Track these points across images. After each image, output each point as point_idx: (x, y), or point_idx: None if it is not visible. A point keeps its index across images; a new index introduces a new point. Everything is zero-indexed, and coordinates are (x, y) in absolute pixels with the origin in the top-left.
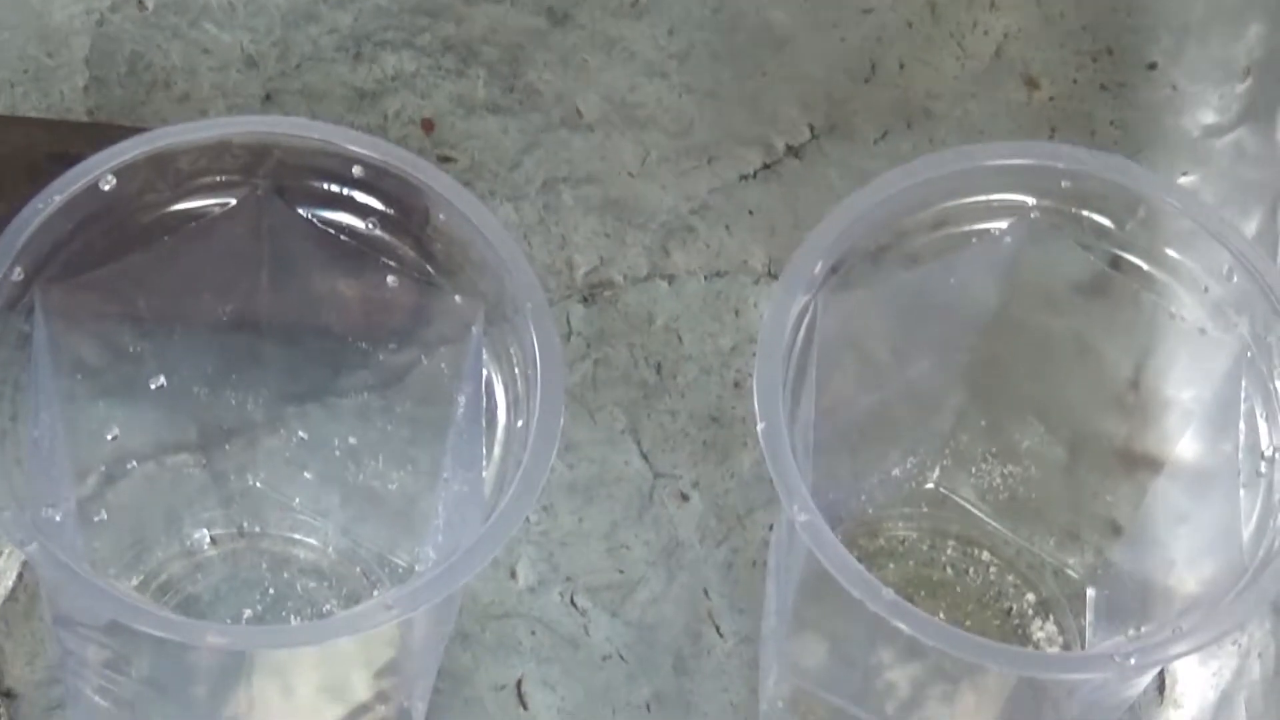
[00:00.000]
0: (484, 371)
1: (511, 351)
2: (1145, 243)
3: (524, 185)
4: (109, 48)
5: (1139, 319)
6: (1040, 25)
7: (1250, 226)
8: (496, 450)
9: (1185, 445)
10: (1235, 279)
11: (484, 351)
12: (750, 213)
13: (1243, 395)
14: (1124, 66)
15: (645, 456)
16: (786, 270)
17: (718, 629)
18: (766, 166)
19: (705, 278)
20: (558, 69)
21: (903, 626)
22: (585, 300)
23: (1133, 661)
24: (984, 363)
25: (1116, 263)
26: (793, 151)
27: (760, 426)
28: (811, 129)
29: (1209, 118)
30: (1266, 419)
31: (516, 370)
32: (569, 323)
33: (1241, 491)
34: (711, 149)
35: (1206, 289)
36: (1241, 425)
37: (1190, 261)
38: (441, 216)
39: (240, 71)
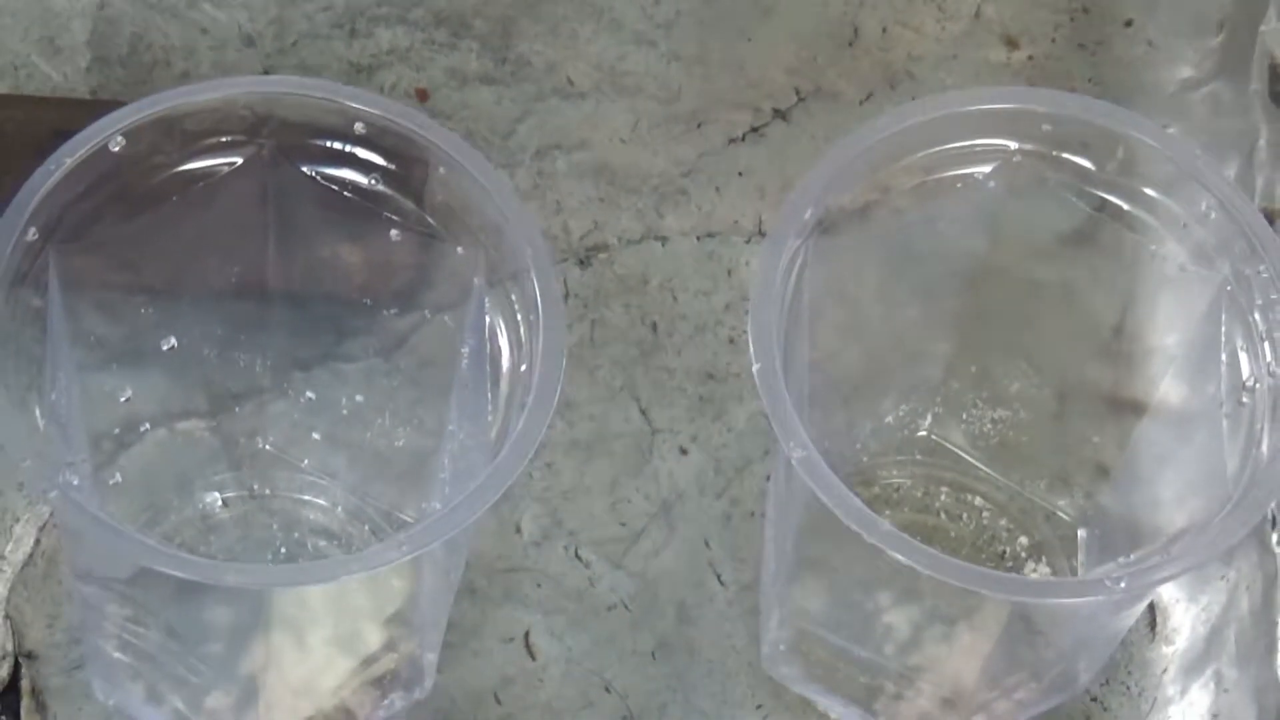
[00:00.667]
0: (486, 319)
1: (513, 298)
2: (1126, 183)
3: (518, 153)
4: (109, 30)
5: (1122, 266)
6: None
7: (1229, 174)
8: (501, 398)
9: (1168, 387)
10: (1213, 216)
11: (486, 301)
12: (740, 174)
13: (1223, 330)
14: (1101, 24)
15: (644, 412)
16: (777, 217)
17: (719, 578)
18: (754, 130)
19: (698, 238)
20: (548, 39)
21: (899, 557)
22: (581, 263)
23: (1123, 585)
24: (972, 312)
25: (1098, 204)
26: (779, 115)
27: (756, 368)
28: (797, 92)
29: (1185, 72)
30: (1246, 351)
31: (519, 317)
32: (566, 285)
33: (1225, 424)
34: (700, 114)
35: (1186, 227)
36: (1223, 357)
37: (1170, 201)
38: (442, 170)
39: (238, 50)
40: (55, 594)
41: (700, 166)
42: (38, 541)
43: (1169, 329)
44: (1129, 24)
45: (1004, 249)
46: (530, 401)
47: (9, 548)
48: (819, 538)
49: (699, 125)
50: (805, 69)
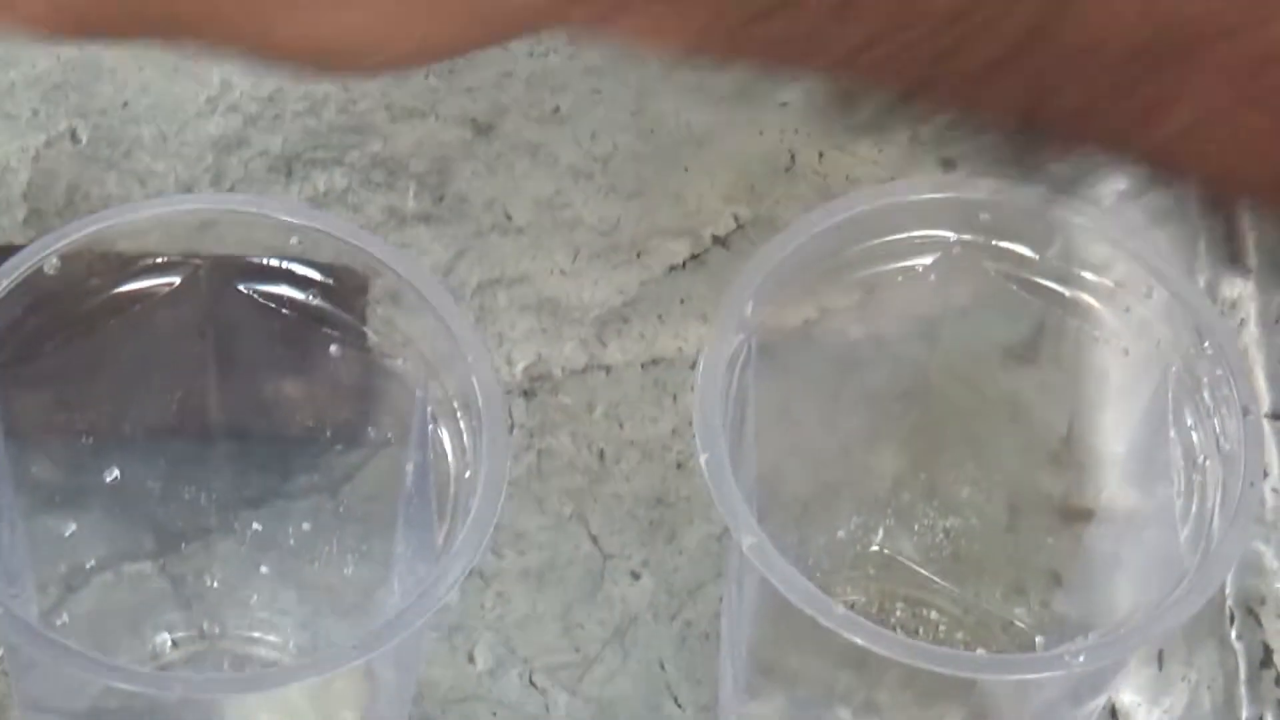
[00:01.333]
0: (429, 428)
1: (454, 406)
2: (1065, 269)
3: (459, 288)
4: (46, 181)
5: (1068, 376)
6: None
7: None
8: (448, 505)
9: (1116, 491)
10: (1154, 295)
11: (428, 410)
12: (681, 301)
13: (1170, 412)
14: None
15: (594, 539)
16: (718, 311)
17: (676, 700)
18: (694, 257)
19: (642, 366)
20: (485, 177)
21: (855, 639)
22: (525, 394)
23: (1081, 659)
24: (919, 426)
25: (1039, 291)
26: (719, 241)
27: (703, 458)
28: (736, 219)
29: (1122, 184)
30: (1196, 430)
31: (461, 424)
32: (511, 416)
33: (1178, 505)
34: (639, 244)
35: (1129, 310)
36: (1173, 434)
37: (1110, 283)
38: (378, 281)
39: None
40: None
41: (642, 295)
42: None
43: (1118, 430)
44: None
45: (949, 364)
46: (477, 500)
47: None
48: (775, 643)
49: (639, 255)
50: (743, 196)
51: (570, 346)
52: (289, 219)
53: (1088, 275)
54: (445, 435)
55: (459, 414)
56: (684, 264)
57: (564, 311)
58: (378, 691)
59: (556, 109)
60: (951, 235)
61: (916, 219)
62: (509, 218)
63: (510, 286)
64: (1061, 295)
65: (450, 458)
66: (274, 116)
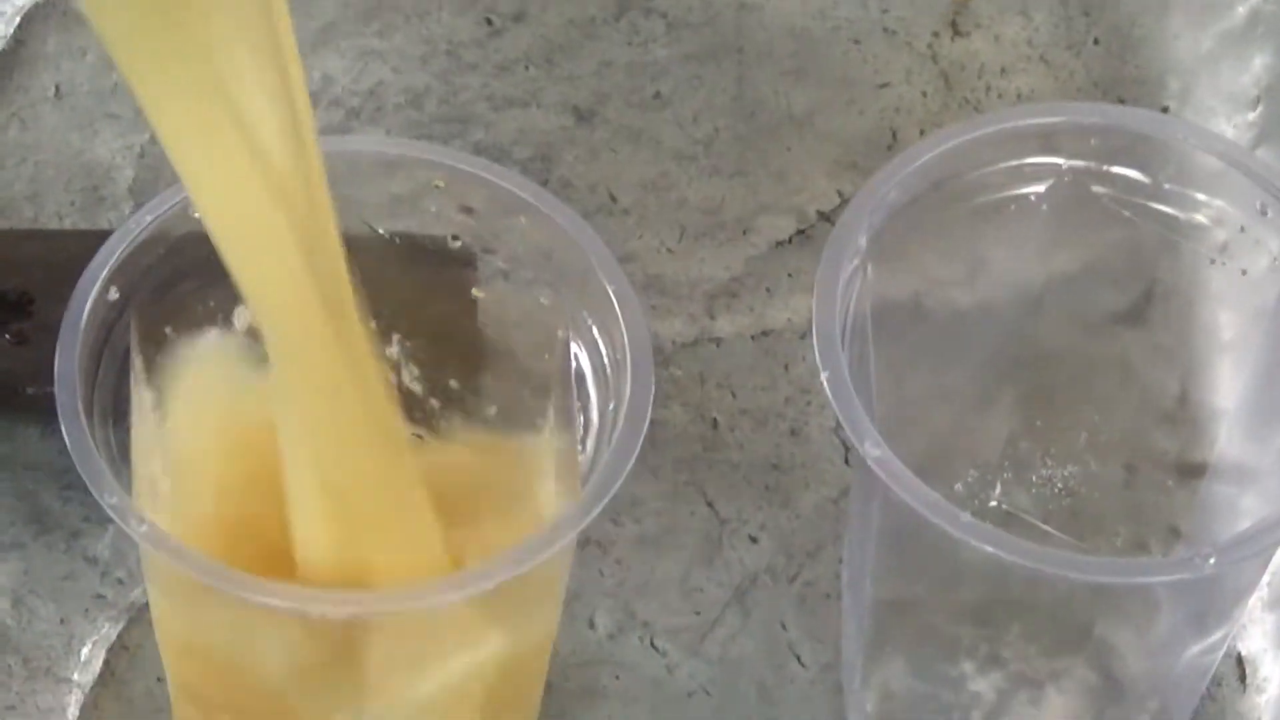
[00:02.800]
0: (574, 364)
1: (598, 338)
2: (1178, 192)
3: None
4: (149, 176)
5: (1179, 338)
6: (1052, 85)
7: None
8: (590, 441)
9: (1229, 446)
10: (1269, 214)
11: (572, 344)
12: (789, 275)
13: None
14: None
15: (711, 505)
16: (833, 234)
17: (799, 659)
18: (800, 232)
19: (752, 338)
20: (588, 162)
21: (985, 547)
22: None
23: (1212, 561)
24: (1030, 392)
25: (1150, 215)
26: (824, 216)
27: (824, 375)
28: (840, 195)
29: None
30: None
31: (604, 357)
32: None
33: None
34: (745, 221)
35: (1243, 228)
36: None
37: (1224, 202)
38: (522, 220)
39: None
40: (126, 713)
41: (749, 269)
42: (106, 663)
43: (1232, 384)
44: (1164, 111)
45: (1059, 331)
46: (618, 431)
47: (77, 672)
48: (901, 577)
49: (744, 232)
50: (846, 173)
51: (680, 321)
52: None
53: (1200, 196)
54: (590, 370)
55: (603, 349)
56: (790, 239)
57: (672, 288)
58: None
59: (657, 94)
60: (1063, 162)
61: (1027, 146)
62: (614, 199)
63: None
64: (1176, 219)
65: (593, 392)
66: (375, 109)
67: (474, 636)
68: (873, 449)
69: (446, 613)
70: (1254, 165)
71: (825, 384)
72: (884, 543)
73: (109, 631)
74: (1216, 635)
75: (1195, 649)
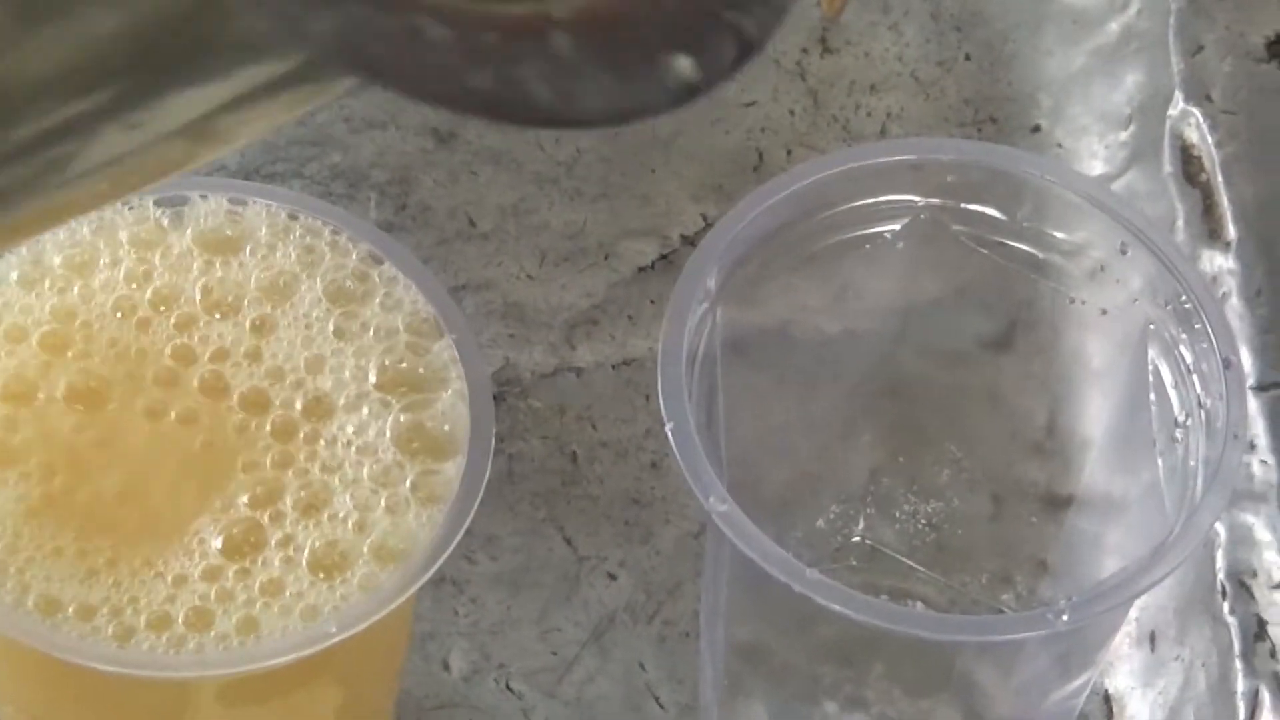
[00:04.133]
0: None
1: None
2: (1036, 229)
3: None
4: None
5: (1045, 362)
6: (922, 103)
7: None
8: None
9: (1096, 477)
10: (1129, 253)
11: None
12: (651, 301)
13: (1150, 373)
14: (1008, 133)
15: (569, 541)
16: (680, 280)
17: (657, 700)
18: (663, 257)
19: (613, 367)
20: (448, 185)
21: (831, 605)
22: (495, 399)
23: (1065, 618)
24: (898, 420)
25: (1008, 253)
26: (688, 240)
27: (669, 427)
28: (704, 218)
29: (1098, 168)
30: (1175, 387)
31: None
32: None
33: (1159, 461)
34: (608, 246)
35: (1103, 267)
36: (1152, 398)
37: (1083, 241)
38: None
39: None
40: None
41: (610, 297)
42: None
43: (1098, 413)
44: (1036, 129)
45: (924, 359)
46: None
47: None
48: (754, 625)
49: (606, 257)
50: (711, 196)
51: (539, 350)
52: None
53: (1059, 234)
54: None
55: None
56: (653, 264)
57: (532, 315)
58: None
59: None
60: (919, 199)
61: (882, 184)
62: (473, 224)
63: (476, 291)
64: (1034, 257)
65: None
66: None
67: (313, 692)
68: (717, 504)
69: (283, 671)
70: (1113, 203)
71: (670, 435)
72: (736, 586)
73: None
74: (1080, 679)
75: (1059, 692)
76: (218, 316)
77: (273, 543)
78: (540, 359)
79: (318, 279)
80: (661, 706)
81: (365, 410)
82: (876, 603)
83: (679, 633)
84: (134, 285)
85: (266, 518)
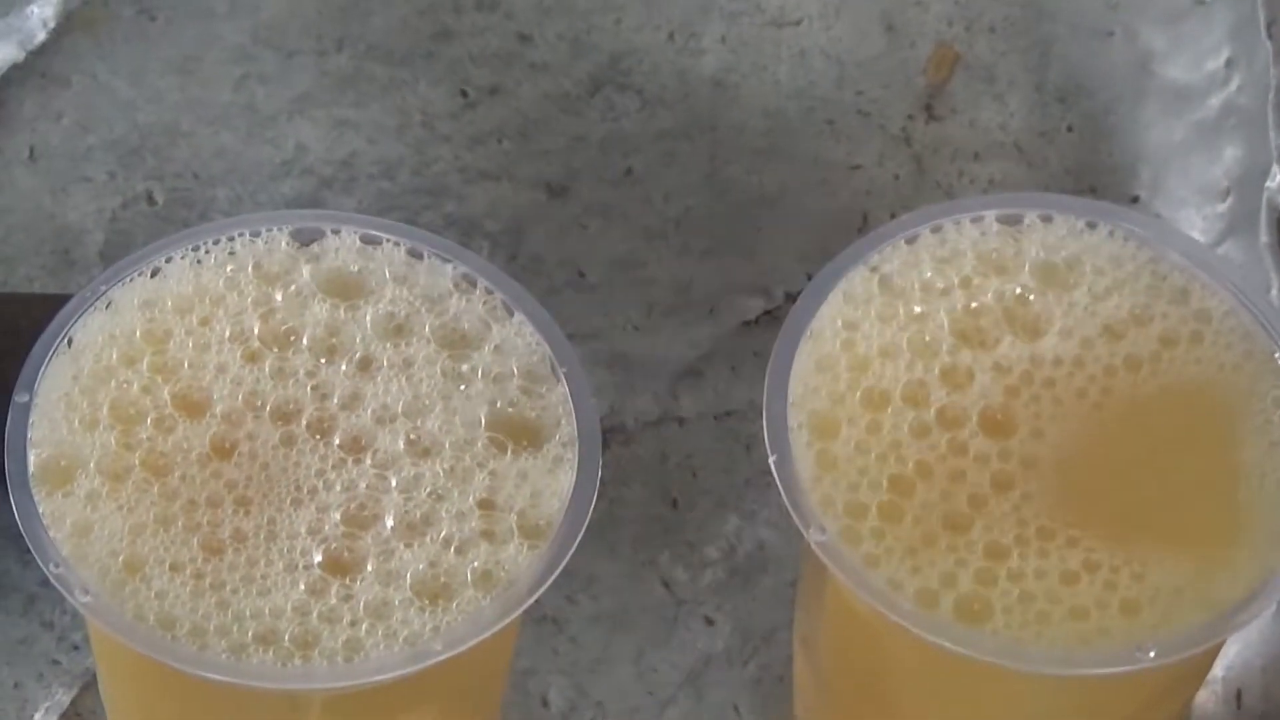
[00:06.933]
0: None
1: None
2: None
3: None
4: (122, 240)
5: None
6: (1024, 171)
7: None
8: None
9: None
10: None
11: None
12: (755, 354)
13: None
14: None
15: (667, 585)
16: (786, 322)
17: None
18: (767, 313)
19: (715, 417)
20: (558, 237)
21: (925, 636)
22: (605, 446)
23: (1151, 654)
24: None
25: None
26: (791, 298)
27: (772, 459)
28: (808, 276)
29: (1196, 238)
30: None
31: None
32: None
33: None
34: (713, 300)
35: None
36: None
37: None
38: None
39: None
40: None
41: (716, 349)
42: None
43: None
44: (1135, 200)
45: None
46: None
47: None
48: (849, 651)
49: (711, 311)
50: (816, 254)
51: (644, 399)
52: None
53: None
54: None
55: None
56: (757, 320)
57: (637, 365)
58: None
59: (629, 170)
60: None
61: None
62: (582, 275)
63: (584, 341)
64: None
65: None
66: (348, 179)
67: (415, 713)
68: (817, 534)
69: (387, 689)
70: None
71: (773, 468)
72: (837, 617)
73: (62, 698)
74: None
75: None
76: (330, 353)
77: (379, 566)
78: (645, 407)
79: (436, 319)
80: None
81: (479, 448)
82: (968, 633)
83: (773, 677)
84: (253, 316)
85: (370, 539)
